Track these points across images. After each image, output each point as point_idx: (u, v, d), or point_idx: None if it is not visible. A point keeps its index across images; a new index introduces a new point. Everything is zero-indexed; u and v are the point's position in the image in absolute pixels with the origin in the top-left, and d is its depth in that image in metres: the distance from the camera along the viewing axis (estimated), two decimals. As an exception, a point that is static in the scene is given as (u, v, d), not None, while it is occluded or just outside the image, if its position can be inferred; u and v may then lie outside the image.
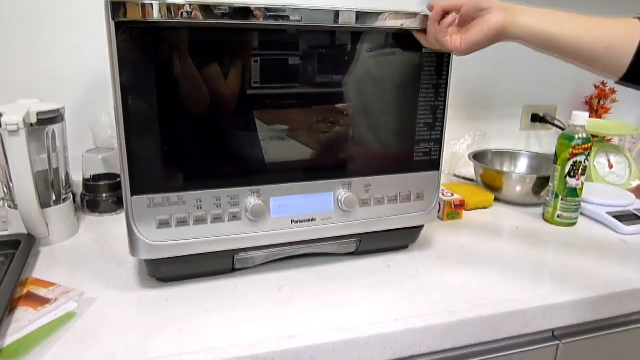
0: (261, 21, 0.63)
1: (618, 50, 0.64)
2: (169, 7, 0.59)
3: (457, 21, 0.71)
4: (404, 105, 0.76)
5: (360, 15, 0.68)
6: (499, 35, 0.68)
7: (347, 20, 0.68)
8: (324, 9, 0.67)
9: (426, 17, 0.71)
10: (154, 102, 0.62)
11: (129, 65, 0.60)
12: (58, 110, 0.82)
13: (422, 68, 0.75)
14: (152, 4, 0.58)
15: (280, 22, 0.65)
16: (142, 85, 0.61)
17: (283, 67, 0.69)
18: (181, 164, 0.67)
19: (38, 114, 0.77)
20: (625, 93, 1.49)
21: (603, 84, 1.46)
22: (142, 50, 0.60)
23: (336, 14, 0.67)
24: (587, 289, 0.74)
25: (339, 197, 0.75)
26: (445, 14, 0.70)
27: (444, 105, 0.78)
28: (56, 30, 0.98)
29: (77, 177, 0.97)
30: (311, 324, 0.63)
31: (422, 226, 0.84)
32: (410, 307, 0.68)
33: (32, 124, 0.77)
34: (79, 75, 1.02)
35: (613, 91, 1.46)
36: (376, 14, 0.69)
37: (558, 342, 0.75)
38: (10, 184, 0.78)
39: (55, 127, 0.82)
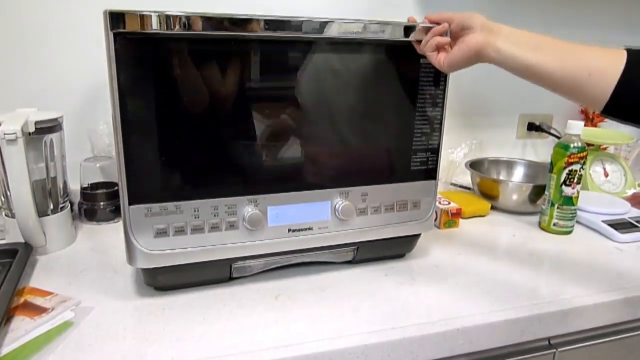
0: (260, 33, 0.64)
1: (600, 80, 0.61)
2: (167, 18, 0.59)
3: (448, 35, 0.71)
4: (401, 114, 0.77)
5: (361, 27, 0.69)
6: (477, 57, 0.67)
7: (347, 32, 0.68)
8: (325, 21, 0.67)
9: (424, 28, 0.71)
10: (152, 111, 0.63)
11: (127, 75, 0.60)
12: (56, 119, 0.82)
13: (420, 78, 0.76)
14: (150, 15, 0.58)
15: (279, 34, 0.65)
16: (140, 96, 0.62)
17: (282, 79, 0.70)
18: (179, 174, 0.67)
19: (36, 123, 0.77)
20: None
21: (598, 92, 1.47)
22: (140, 60, 0.61)
23: (340, 26, 0.68)
24: (582, 297, 0.74)
25: (336, 206, 0.75)
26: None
27: (442, 115, 0.79)
28: (55, 39, 0.99)
29: (74, 186, 0.97)
30: (308, 333, 0.63)
31: (418, 235, 0.84)
32: (407, 315, 0.68)
33: (30, 133, 0.77)
34: (77, 84, 1.02)
35: (608, 100, 1.47)
36: (376, 26, 0.70)
37: (554, 350, 0.76)
38: (8, 193, 0.78)
39: (54, 136, 0.82)
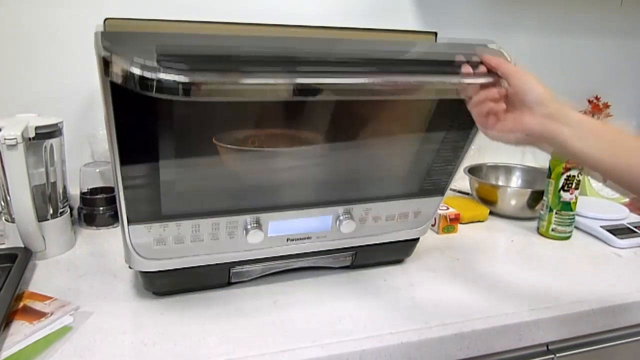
0: (287, 97, 0.53)
1: None
2: (165, 84, 0.48)
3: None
4: (427, 142, 0.72)
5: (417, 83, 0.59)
6: (532, 142, 0.60)
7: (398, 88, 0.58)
8: (381, 82, 0.56)
9: (477, 85, 0.61)
10: (151, 143, 0.58)
11: (125, 116, 0.54)
12: (56, 124, 0.82)
13: (458, 113, 0.68)
14: (153, 80, 0.48)
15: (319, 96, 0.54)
16: (139, 132, 0.57)
17: (299, 109, 0.64)
18: (180, 198, 0.65)
19: (36, 128, 0.78)
20: (618, 108, 1.51)
21: (597, 98, 1.48)
22: (139, 105, 0.54)
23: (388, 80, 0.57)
24: (581, 302, 0.74)
25: (338, 220, 0.74)
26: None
27: (468, 146, 0.74)
28: (55, 44, 0.99)
29: (74, 191, 0.97)
30: (306, 338, 0.63)
31: (417, 240, 0.84)
32: (405, 320, 0.68)
33: (30, 138, 0.77)
34: (77, 89, 1.02)
35: (607, 106, 1.48)
36: (434, 84, 0.60)
37: (552, 356, 0.76)
38: (8, 198, 0.79)
39: (54, 141, 0.82)
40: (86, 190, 0.97)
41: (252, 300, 0.72)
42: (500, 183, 1.23)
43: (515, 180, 1.24)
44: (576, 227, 1.02)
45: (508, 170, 1.25)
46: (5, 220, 0.83)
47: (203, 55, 0.52)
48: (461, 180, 1.22)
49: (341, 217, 0.74)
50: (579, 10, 1.39)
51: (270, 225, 0.71)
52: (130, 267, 0.69)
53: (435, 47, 0.67)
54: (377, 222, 0.78)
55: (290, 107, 0.65)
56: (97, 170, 0.97)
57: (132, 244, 0.65)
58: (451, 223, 1.00)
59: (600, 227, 0.99)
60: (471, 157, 1.26)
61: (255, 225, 0.70)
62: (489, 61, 0.61)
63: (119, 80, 0.49)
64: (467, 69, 0.61)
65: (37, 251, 0.81)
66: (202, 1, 1.06)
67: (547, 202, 0.99)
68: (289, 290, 0.75)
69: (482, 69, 0.61)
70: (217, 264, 0.71)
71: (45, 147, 0.81)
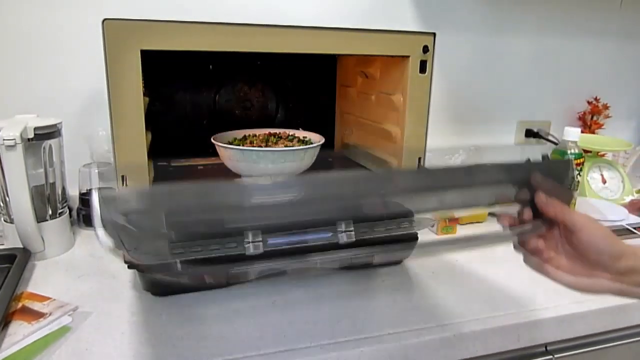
0: None
1: None
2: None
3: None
4: None
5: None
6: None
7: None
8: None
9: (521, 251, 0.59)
10: None
11: None
12: (55, 125, 0.82)
13: None
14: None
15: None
16: None
17: None
18: (181, 227, 0.62)
19: (35, 129, 0.78)
20: (618, 109, 1.51)
21: (596, 99, 1.48)
22: None
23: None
24: (579, 303, 0.74)
25: (339, 234, 0.73)
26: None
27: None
28: (54, 46, 0.99)
29: (73, 192, 0.97)
30: (305, 339, 0.63)
31: (415, 241, 0.84)
32: (403, 321, 0.68)
33: (29, 139, 0.77)
34: (76, 90, 1.03)
35: (606, 107, 1.48)
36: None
37: (551, 356, 0.76)
38: (7, 199, 0.79)
39: (52, 142, 0.83)
40: (85, 191, 0.97)
41: (251, 301, 0.72)
42: (499, 184, 1.22)
43: (515, 181, 1.24)
44: (575, 228, 1.02)
45: (507, 171, 1.25)
46: (4, 220, 0.83)
47: (210, 234, 0.56)
48: (460, 181, 1.22)
49: (343, 233, 0.73)
50: (578, 12, 1.39)
51: (269, 240, 0.70)
52: (129, 268, 0.69)
53: (475, 174, 0.60)
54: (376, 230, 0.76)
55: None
56: (96, 171, 0.97)
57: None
58: (450, 224, 1.00)
59: (599, 228, 0.99)
60: (470, 158, 1.27)
61: (255, 246, 0.68)
62: (547, 211, 0.55)
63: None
64: (506, 221, 0.57)
65: (36, 252, 0.81)
66: (202, 0, 1.06)
67: (546, 203, 0.99)
68: (288, 291, 0.75)
69: (529, 214, 0.56)
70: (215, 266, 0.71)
71: (44, 147, 0.82)
